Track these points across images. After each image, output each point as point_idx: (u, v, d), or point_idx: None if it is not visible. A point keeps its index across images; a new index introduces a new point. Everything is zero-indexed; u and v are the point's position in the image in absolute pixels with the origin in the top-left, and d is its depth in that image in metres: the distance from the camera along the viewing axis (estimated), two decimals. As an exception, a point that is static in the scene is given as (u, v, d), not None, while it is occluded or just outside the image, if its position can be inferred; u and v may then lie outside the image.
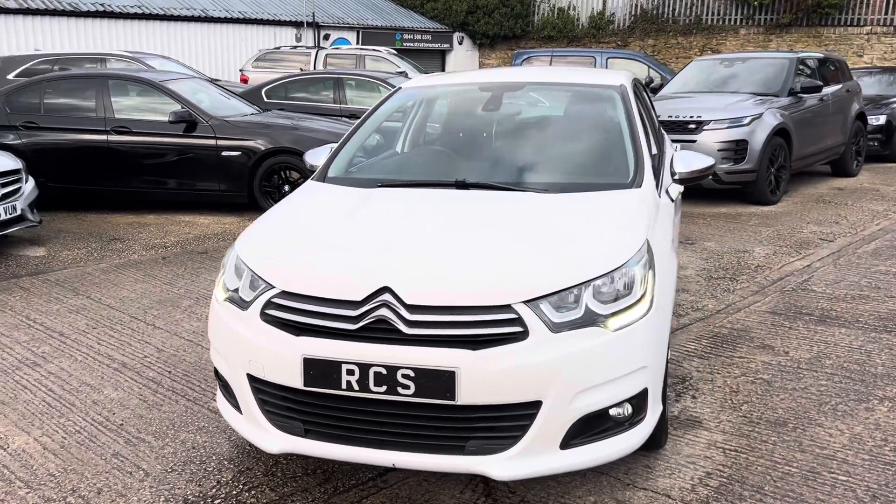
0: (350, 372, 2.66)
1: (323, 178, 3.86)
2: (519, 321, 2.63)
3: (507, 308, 2.65)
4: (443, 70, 26.71)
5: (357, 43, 23.62)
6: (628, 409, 2.80)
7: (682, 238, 7.44)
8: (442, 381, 2.59)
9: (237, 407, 2.97)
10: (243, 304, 2.92)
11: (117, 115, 8.63)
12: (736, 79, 10.20)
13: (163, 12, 19.53)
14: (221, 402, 3.14)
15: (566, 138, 4.02)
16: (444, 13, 26.58)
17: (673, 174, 3.80)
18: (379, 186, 3.63)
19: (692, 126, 8.87)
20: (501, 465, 2.64)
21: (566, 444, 2.69)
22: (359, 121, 4.28)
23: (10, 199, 6.84)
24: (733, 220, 8.33)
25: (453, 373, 2.58)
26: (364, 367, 2.64)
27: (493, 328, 2.63)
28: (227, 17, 20.71)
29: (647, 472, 3.18)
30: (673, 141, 8.85)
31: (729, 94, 9.76)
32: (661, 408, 3.00)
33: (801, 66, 10.07)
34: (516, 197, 3.38)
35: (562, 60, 16.30)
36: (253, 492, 3.05)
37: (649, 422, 2.89)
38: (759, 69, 10.11)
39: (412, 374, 2.61)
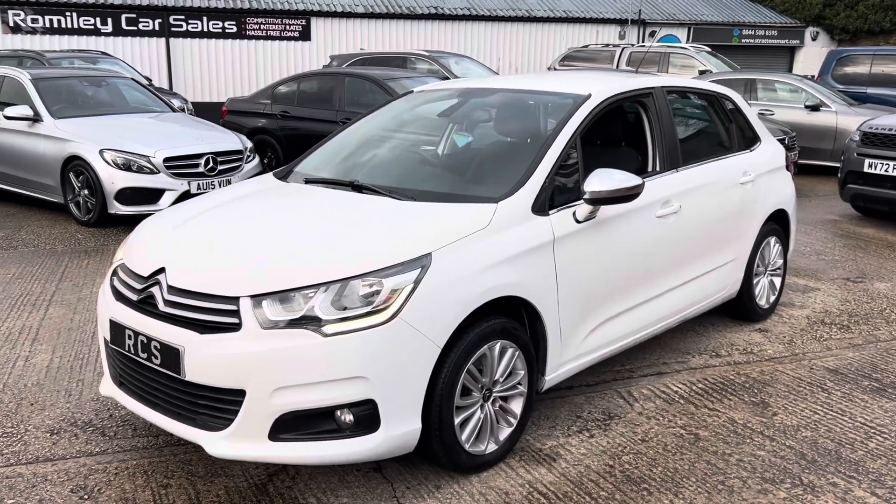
0: (129, 337, 3.10)
1: (285, 174, 4.23)
2: (237, 314, 2.83)
3: (234, 300, 2.86)
4: (789, 70, 24.42)
5: (687, 40, 22.75)
6: (349, 416, 2.83)
7: (858, 273, 6.32)
8: (173, 357, 2.91)
9: (111, 355, 3.58)
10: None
11: (347, 107, 9.80)
12: None
13: (489, 13, 20.91)
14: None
15: (484, 147, 3.88)
16: (795, 6, 24.26)
17: (582, 193, 3.48)
18: (304, 182, 3.93)
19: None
20: (215, 443, 2.87)
21: (275, 436, 2.83)
22: (351, 121, 4.59)
23: (226, 175, 8.31)
24: (957, 260, 6.76)
25: (179, 351, 2.89)
26: (136, 334, 3.07)
27: (216, 316, 2.87)
28: (550, 17, 21.43)
29: (432, 491, 3.10)
30: (883, 158, 7.46)
31: None
32: (414, 426, 2.92)
33: None
34: (372, 201, 3.44)
35: (885, 61, 14.05)
36: (123, 427, 3.64)
37: (383, 435, 2.85)
38: None
39: (159, 346, 2.97)
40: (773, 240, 5.11)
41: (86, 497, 3.07)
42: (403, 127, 4.37)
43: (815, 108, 11.70)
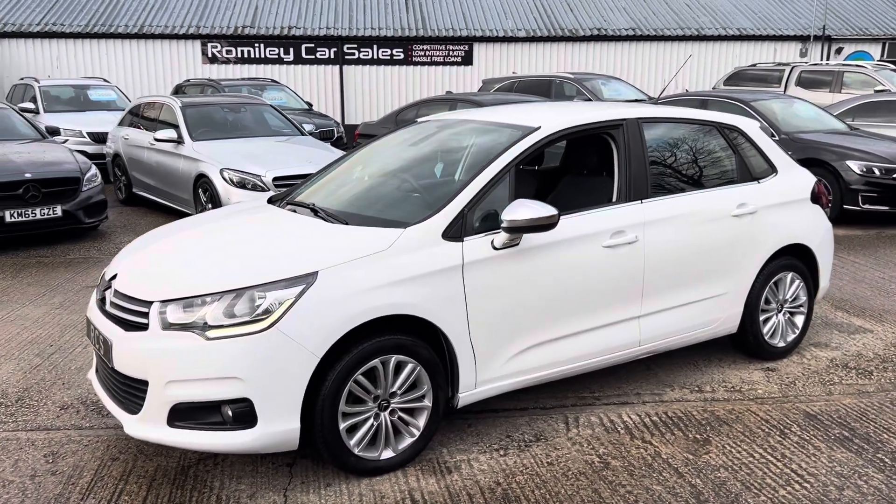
0: (92, 330, 3.72)
1: (281, 197, 4.70)
2: (147, 315, 3.33)
3: (148, 304, 3.37)
4: None
5: (882, 56, 20.94)
6: (229, 411, 3.22)
7: (934, 317, 5.78)
8: (108, 348, 3.47)
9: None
10: (111, 275, 4.18)
11: (457, 131, 10.23)
12: None
13: (656, 33, 20.51)
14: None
15: (426, 175, 4.10)
16: None
17: (500, 222, 3.64)
18: (287, 205, 4.39)
19: None
20: (132, 425, 3.39)
21: (172, 423, 3.28)
22: (358, 146, 4.99)
23: (330, 194, 9.03)
24: None
25: (110, 343, 3.44)
26: (94, 328, 3.67)
27: (135, 317, 3.40)
28: (722, 35, 20.63)
29: (319, 488, 3.41)
30: None
31: None
32: (292, 426, 3.23)
33: None
34: (309, 223, 3.81)
35: None
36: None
37: (261, 431, 3.20)
38: None
39: (102, 338, 3.54)
40: (789, 276, 4.86)
41: (50, 461, 3.70)
42: (391, 153, 4.73)
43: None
